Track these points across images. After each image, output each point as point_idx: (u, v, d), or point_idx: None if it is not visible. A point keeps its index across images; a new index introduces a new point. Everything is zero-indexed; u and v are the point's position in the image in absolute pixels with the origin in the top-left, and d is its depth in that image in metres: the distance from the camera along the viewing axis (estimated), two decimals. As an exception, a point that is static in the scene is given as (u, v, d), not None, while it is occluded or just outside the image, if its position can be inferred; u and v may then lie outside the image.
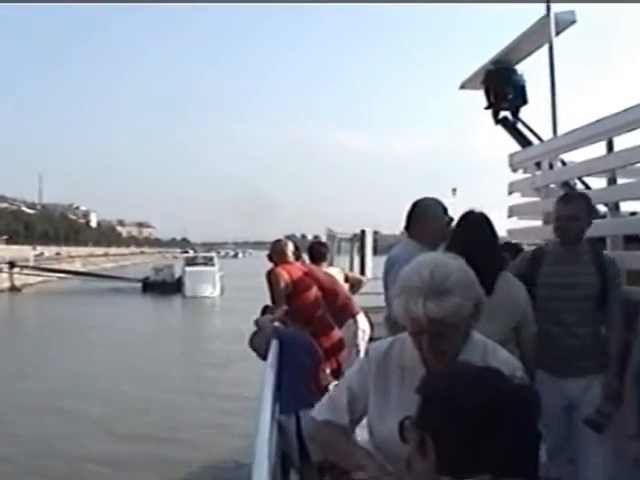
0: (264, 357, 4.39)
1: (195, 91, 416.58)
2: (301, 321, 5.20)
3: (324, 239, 9.24)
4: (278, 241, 5.93)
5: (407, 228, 3.72)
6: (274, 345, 4.40)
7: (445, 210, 3.67)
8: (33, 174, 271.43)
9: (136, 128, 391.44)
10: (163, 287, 51.27)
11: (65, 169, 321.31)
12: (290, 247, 5.75)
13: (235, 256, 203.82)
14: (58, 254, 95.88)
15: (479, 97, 6.52)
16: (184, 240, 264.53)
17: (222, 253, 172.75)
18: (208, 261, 53.49)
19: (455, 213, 3.61)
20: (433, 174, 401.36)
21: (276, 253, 5.71)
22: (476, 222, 3.26)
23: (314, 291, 5.43)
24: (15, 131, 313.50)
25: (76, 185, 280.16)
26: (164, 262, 76.13)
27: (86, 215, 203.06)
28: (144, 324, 31.82)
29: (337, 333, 5.37)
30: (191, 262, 53.28)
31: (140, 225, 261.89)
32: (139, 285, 54.26)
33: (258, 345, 4.82)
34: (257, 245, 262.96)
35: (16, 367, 19.13)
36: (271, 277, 5.41)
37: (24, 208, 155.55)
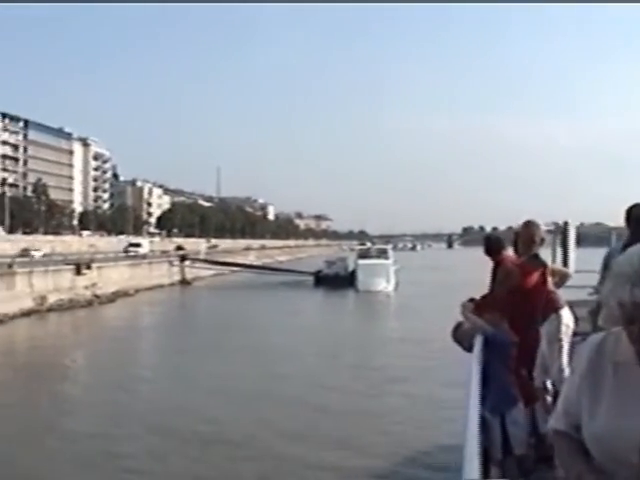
0: (468, 349, 4.63)
1: (373, 83, 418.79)
2: (499, 313, 5.14)
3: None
4: (529, 223, 5.75)
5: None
6: (479, 339, 4.58)
7: None
8: (213, 168, 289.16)
9: (318, 121, 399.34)
10: (336, 280, 52.42)
11: (244, 163, 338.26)
12: (540, 233, 5.67)
13: (413, 248, 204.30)
14: (215, 246, 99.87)
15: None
16: (362, 232, 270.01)
17: (400, 245, 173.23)
18: (382, 254, 53.77)
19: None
20: (608, 164, 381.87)
21: (523, 239, 5.70)
22: None
23: (530, 286, 5.49)
24: (197, 126, 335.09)
25: (255, 179, 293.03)
26: (339, 255, 77.49)
27: (264, 208, 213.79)
28: (312, 325, 32.25)
29: (535, 329, 5.42)
30: (364, 255, 54.02)
31: (318, 218, 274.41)
32: (312, 278, 55.90)
33: (462, 337, 5.01)
34: (436, 237, 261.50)
35: (169, 373, 20.03)
36: (504, 275, 5.48)
37: (201, 201, 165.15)
